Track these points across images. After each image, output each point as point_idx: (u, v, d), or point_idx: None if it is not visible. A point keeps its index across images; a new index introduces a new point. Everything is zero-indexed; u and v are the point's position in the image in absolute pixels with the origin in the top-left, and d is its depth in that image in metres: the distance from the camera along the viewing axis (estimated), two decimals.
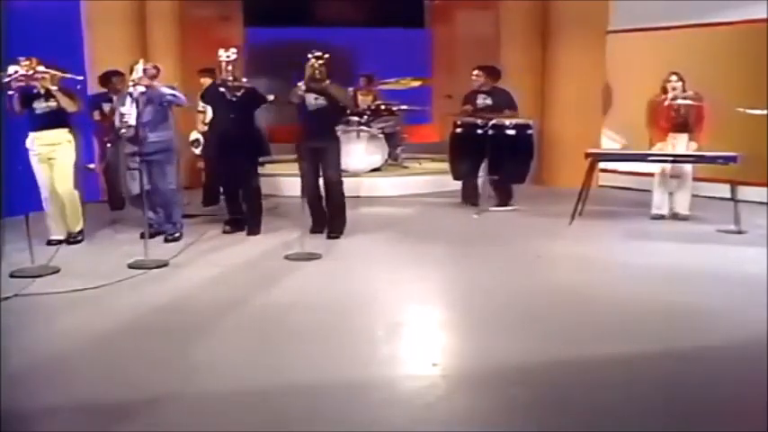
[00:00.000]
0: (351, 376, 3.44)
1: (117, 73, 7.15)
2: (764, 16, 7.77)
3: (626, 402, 3.17)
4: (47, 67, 5.84)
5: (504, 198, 7.83)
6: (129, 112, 5.99)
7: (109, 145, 7.17)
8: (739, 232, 6.38)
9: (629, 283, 4.98)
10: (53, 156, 5.97)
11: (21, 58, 5.68)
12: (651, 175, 7.26)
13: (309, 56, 6.01)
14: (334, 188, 6.34)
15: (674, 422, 3.01)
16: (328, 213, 6.44)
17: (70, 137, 6.06)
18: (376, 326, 4.18)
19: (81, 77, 6.35)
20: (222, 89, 6.24)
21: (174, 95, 6.17)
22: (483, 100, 7.85)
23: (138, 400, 3.20)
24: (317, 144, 6.14)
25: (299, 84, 6.08)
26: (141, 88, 5.87)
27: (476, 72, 7.93)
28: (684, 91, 6.87)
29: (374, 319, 4.28)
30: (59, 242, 5.98)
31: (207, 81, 7.19)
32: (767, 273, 4.89)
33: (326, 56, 6.04)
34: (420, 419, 3.04)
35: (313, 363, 3.61)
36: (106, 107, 7.09)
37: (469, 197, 7.95)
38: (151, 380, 3.40)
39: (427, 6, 12.64)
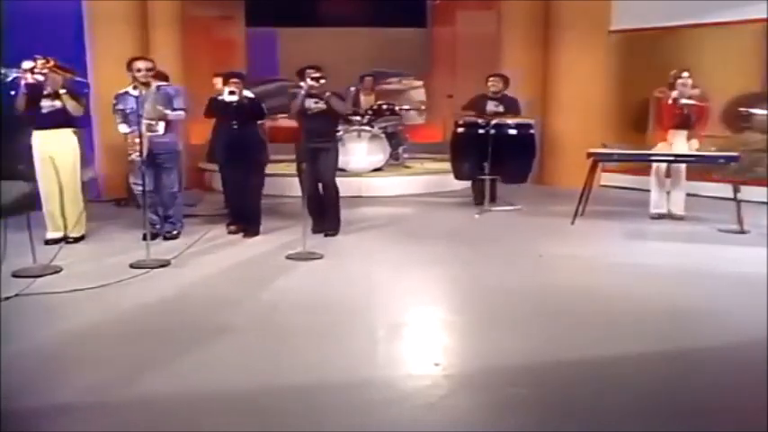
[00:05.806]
0: (352, 376, 3.45)
1: None
2: (764, 16, 7.77)
3: (626, 402, 3.17)
4: (61, 69, 5.85)
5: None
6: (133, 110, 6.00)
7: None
8: (741, 232, 6.38)
9: (631, 283, 4.98)
10: (57, 155, 5.99)
11: (38, 57, 5.68)
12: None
13: (309, 72, 6.16)
14: (330, 188, 6.47)
15: (674, 422, 3.00)
16: (325, 212, 6.50)
17: (74, 136, 6.09)
18: (378, 325, 4.19)
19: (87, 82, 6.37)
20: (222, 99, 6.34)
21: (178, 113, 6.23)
22: (495, 107, 7.83)
23: (138, 399, 3.20)
24: (316, 145, 6.20)
25: (302, 84, 6.15)
26: (146, 89, 5.87)
27: (493, 78, 7.95)
28: (693, 88, 6.84)
29: (376, 319, 4.29)
30: (57, 241, 5.98)
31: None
32: (767, 273, 4.89)
33: (323, 77, 6.18)
34: (422, 419, 3.04)
35: (314, 362, 3.61)
36: None
37: (480, 197, 7.92)
38: (152, 379, 3.40)
39: (429, 6, 12.64)
